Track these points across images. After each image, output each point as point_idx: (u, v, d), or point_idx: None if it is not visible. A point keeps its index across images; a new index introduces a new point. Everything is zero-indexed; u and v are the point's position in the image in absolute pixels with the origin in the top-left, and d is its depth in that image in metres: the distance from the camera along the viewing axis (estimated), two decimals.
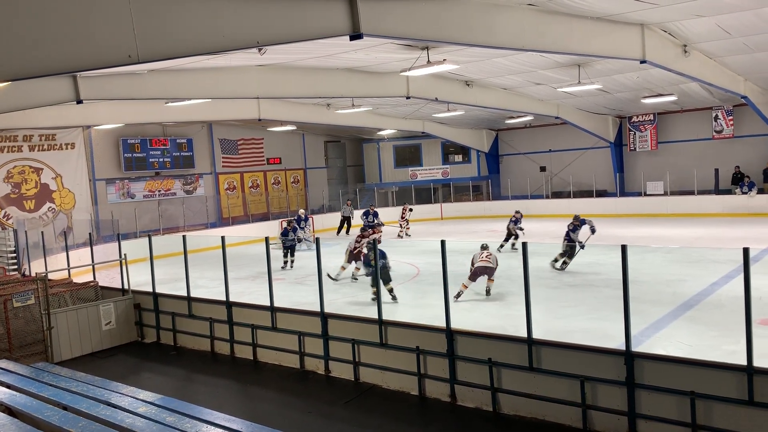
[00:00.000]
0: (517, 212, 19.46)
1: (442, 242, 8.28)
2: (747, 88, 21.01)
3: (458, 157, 33.75)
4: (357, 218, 25.67)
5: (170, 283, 13.24)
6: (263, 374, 10.01)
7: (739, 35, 15.40)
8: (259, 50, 12.39)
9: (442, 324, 8.19)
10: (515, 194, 30.93)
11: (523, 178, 31.01)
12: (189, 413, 6.45)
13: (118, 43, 6.33)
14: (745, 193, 24.20)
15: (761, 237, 17.74)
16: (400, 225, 24.62)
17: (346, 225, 26.74)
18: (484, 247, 13.01)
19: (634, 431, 6.75)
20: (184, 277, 11.77)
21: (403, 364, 8.58)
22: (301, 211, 24.27)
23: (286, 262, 18.01)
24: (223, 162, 29.06)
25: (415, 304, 12.48)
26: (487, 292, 12.78)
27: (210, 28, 7.29)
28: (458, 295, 12.17)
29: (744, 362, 6.15)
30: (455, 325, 8.20)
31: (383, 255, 12.37)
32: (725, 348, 8.20)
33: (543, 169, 31.39)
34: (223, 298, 11.02)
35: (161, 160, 26.34)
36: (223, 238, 10.93)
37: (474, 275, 12.58)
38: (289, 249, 18.19)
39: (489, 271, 12.66)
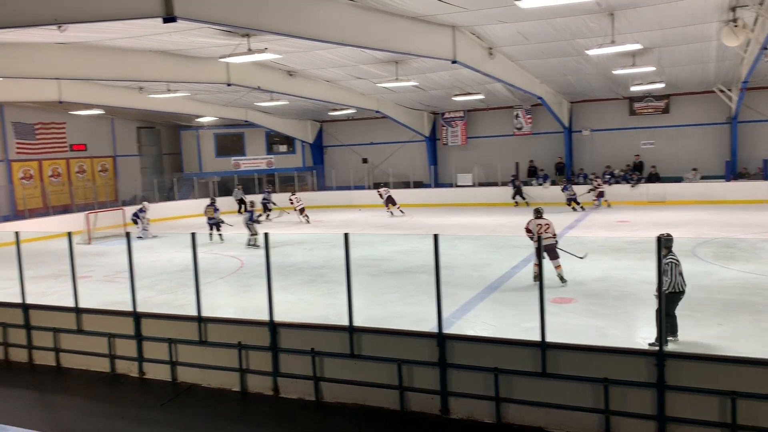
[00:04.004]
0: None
1: (266, 234, 8.20)
2: (542, 90, 23.35)
3: (283, 148, 33.57)
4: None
5: None
6: (68, 381, 9.18)
7: (536, 42, 17.05)
8: (59, 27, 11.25)
9: (266, 317, 8.12)
10: (339, 185, 31.53)
11: (347, 170, 31.68)
12: None
13: None
14: (541, 184, 26.91)
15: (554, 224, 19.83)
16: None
17: (243, 205, 27.86)
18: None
19: (446, 409, 7.22)
20: None
21: (224, 360, 8.36)
22: (145, 202, 23.07)
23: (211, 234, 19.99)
24: (17, 148, 26.05)
25: (238, 299, 12.23)
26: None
27: None
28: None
29: (539, 338, 6.85)
30: (279, 317, 8.16)
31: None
32: (524, 325, 9.07)
33: (365, 160, 32.30)
34: (19, 300, 9.92)
35: None
36: (17, 233, 9.81)
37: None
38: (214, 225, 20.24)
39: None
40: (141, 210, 22.26)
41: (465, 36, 16.08)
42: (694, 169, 25.07)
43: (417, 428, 7.10)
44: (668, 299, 8.06)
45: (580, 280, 12.13)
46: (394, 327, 7.97)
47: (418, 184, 30.47)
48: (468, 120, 29.47)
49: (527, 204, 25.14)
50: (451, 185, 29.42)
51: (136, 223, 21.97)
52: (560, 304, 10.56)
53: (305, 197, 29.39)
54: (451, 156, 30.25)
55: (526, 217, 12.14)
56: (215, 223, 20.14)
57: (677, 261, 8.08)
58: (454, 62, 15.93)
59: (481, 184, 28.52)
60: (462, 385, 7.14)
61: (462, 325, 9.66)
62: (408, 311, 10.52)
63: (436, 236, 7.19)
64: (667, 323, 8.18)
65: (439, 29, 15.13)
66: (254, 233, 18.53)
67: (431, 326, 7.68)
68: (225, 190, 31.10)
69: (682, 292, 8.14)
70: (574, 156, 27.62)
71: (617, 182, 25.67)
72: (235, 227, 20.86)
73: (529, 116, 28.02)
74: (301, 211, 24.68)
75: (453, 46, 15.58)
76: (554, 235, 11.86)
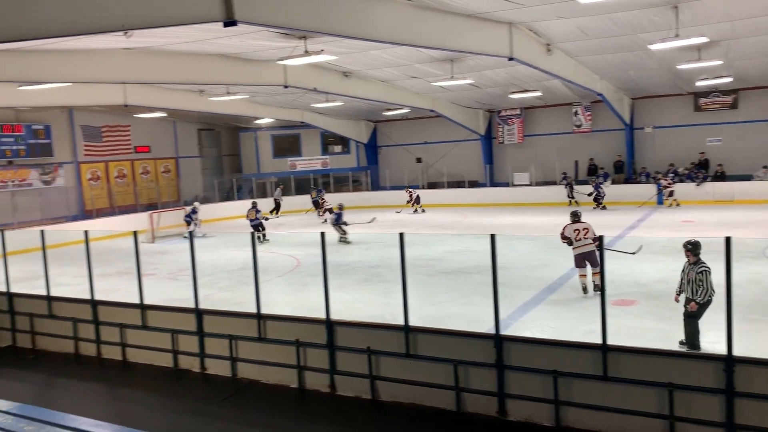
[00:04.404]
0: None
1: (322, 234, 8.28)
2: (602, 86, 22.76)
3: (338, 148, 33.84)
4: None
5: (27, 282, 12.21)
6: (134, 375, 9.52)
7: (595, 37, 16.63)
8: (125, 33, 11.67)
9: (322, 315, 8.20)
10: (393, 185, 31.56)
11: (401, 169, 31.69)
12: (51, 420, 6.01)
13: None
14: (601, 183, 26.21)
15: (614, 224, 19.34)
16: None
17: (276, 209, 28.68)
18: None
19: (503, 411, 7.13)
20: (42, 274, 10.91)
21: (282, 357, 8.50)
22: (196, 203, 23.86)
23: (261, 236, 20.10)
24: (85, 150, 27.17)
25: (294, 297, 12.40)
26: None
27: (69, 10, 6.75)
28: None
29: (599, 341, 6.68)
30: (336, 315, 8.24)
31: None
32: (582, 328, 8.87)
33: (419, 160, 32.22)
34: (88, 297, 10.34)
35: (15, 147, 24.21)
36: (86, 232, 10.24)
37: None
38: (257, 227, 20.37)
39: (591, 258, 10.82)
40: (193, 211, 22.88)
41: (522, 32, 15.83)
42: (765, 167, 23.93)
43: (474, 429, 7.04)
44: (700, 309, 7.71)
45: (643, 282, 11.78)
46: (450, 327, 7.91)
47: (473, 184, 30.19)
48: (525, 118, 29.01)
49: (577, 203, 24.57)
50: (507, 184, 29.02)
51: (188, 224, 22.59)
52: (621, 306, 10.27)
53: (359, 197, 29.67)
54: (508, 155, 29.84)
55: (584, 216, 11.77)
56: (257, 225, 20.40)
57: (709, 268, 7.68)
58: (510, 59, 15.71)
59: (539, 183, 28.02)
60: (520, 387, 7.04)
61: (519, 327, 9.53)
62: (463, 312, 10.44)
63: (493, 236, 7.11)
64: (691, 333, 7.82)
65: (495, 26, 14.95)
66: (344, 233, 18.96)
67: (487, 327, 7.60)
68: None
69: (711, 301, 7.77)
70: (636, 154, 26.82)
71: (681, 181, 24.77)
72: (287, 226, 21.19)
73: (588, 113, 27.36)
74: (329, 211, 25.28)
75: (510, 43, 15.37)
76: (595, 239, 10.90)
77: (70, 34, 7.60)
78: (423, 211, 26.71)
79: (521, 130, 29.16)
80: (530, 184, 28.09)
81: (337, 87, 21.42)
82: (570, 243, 11.06)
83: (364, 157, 33.55)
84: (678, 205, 23.42)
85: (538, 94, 24.34)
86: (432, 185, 31.07)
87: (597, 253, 10.72)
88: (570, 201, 25.42)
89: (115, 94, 21.27)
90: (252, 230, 20.13)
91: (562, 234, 11.20)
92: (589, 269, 11.00)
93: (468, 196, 28.76)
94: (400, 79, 22.47)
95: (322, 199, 26.59)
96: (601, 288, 6.79)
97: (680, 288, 8.03)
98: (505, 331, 7.51)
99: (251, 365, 8.79)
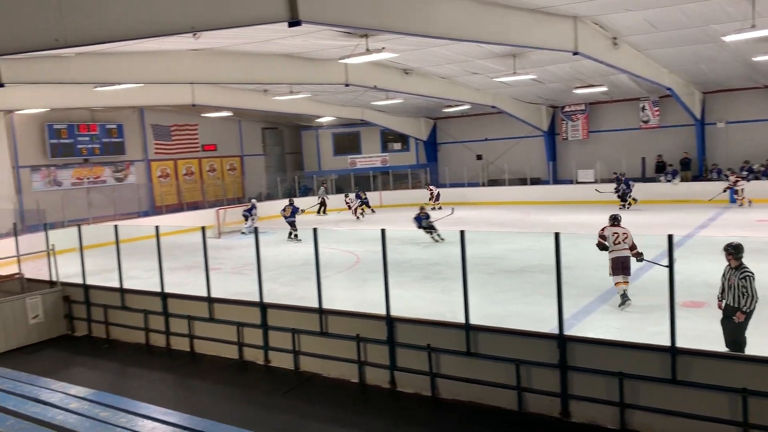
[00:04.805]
0: None
1: (382, 231, 8.33)
2: (671, 80, 21.97)
3: (397, 145, 33.91)
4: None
5: (101, 274, 12.81)
6: (201, 366, 9.84)
7: (665, 29, 16.06)
8: (194, 34, 12.04)
9: (382, 312, 8.26)
10: (453, 182, 31.39)
11: (461, 166, 31.47)
12: (123, 408, 6.27)
13: (44, 27, 6.03)
14: (669, 181, 25.35)
15: (684, 223, 18.65)
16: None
17: (322, 207, 28.31)
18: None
19: (566, 412, 7.01)
20: (116, 268, 11.40)
21: (343, 352, 8.61)
22: (253, 200, 24.54)
23: (295, 235, 20.45)
24: (155, 149, 28.21)
25: (355, 292, 12.52)
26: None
27: (142, 13, 7.03)
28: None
29: (667, 343, 6.47)
30: (395, 312, 8.27)
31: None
32: (650, 330, 8.61)
33: (479, 157, 31.93)
34: (158, 289, 10.75)
35: (90, 146, 25.37)
36: (157, 227, 10.64)
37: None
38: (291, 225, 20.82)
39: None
40: (253, 207, 23.46)
41: (587, 26, 15.46)
42: None
43: (536, 430, 6.95)
44: (747, 319, 7.28)
45: (714, 283, 11.27)
46: (511, 326, 7.83)
47: (536, 181, 29.69)
48: (590, 113, 28.31)
49: (622, 204, 23.78)
50: (571, 182, 28.41)
51: (246, 219, 23.18)
52: (691, 308, 9.92)
53: (418, 195, 29.68)
54: (572, 151, 29.19)
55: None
56: (291, 222, 20.61)
57: (752, 273, 7.21)
58: (575, 54, 15.37)
59: (604, 181, 27.27)
60: (583, 388, 6.90)
61: (583, 327, 9.33)
62: (525, 311, 10.31)
63: (557, 234, 6.99)
64: (740, 345, 7.39)
65: (559, 20, 14.65)
66: (435, 231, 18.60)
67: (549, 327, 7.48)
68: (339, 189, 32.01)
69: (755, 308, 7.34)
70: (707, 150, 25.76)
71: (756, 178, 23.63)
72: (346, 223, 21.34)
73: (656, 108, 26.46)
74: (355, 210, 26.37)
75: (574, 37, 15.03)
76: (632, 246, 10.38)
77: (142, 37, 7.91)
78: (440, 208, 25.85)
79: (586, 126, 28.48)
80: (595, 182, 27.39)
81: (398, 84, 21.48)
82: (605, 247, 10.46)
83: (423, 155, 33.50)
84: (750, 204, 22.30)
85: (603, 89, 23.70)
86: (493, 182, 30.72)
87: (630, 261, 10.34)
88: (632, 201, 24.59)
89: (183, 94, 22.00)
90: (291, 228, 20.53)
91: (600, 233, 10.51)
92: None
93: (530, 193, 28.31)
94: (460, 76, 22.33)
95: (348, 202, 27.18)
96: (669, 286, 6.57)
97: (722, 294, 7.63)
98: (568, 332, 7.37)
99: (313, 359, 8.94)
